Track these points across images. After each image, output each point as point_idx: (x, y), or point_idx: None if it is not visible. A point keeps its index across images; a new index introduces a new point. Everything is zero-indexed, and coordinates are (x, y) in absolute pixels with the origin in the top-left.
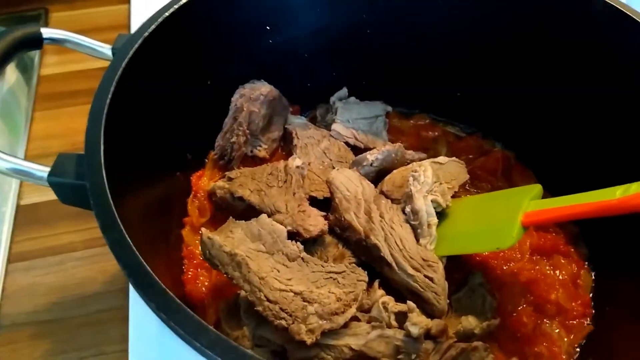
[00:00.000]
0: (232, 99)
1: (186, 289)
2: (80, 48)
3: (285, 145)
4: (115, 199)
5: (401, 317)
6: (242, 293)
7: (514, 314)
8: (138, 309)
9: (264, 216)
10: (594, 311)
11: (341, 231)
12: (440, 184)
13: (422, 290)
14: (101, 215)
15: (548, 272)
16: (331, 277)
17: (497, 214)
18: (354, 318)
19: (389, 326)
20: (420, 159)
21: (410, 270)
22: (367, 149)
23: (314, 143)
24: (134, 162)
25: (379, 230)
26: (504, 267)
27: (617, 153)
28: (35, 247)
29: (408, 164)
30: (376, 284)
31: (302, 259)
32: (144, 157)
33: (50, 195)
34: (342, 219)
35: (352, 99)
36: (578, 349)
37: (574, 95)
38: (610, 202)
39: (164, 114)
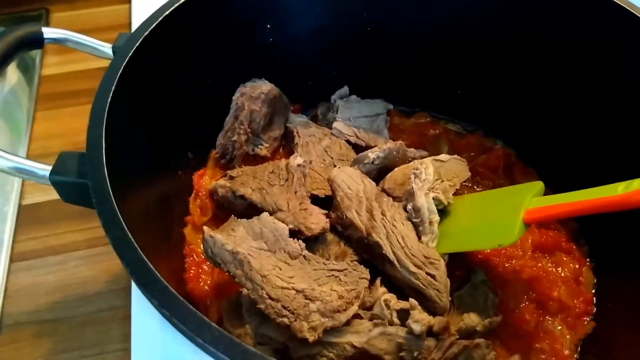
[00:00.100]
0: (233, 97)
1: (188, 287)
2: (81, 47)
3: (287, 144)
4: (117, 197)
5: (403, 315)
6: (244, 291)
7: (516, 311)
8: (140, 308)
9: (265, 214)
10: (595, 308)
11: (343, 229)
12: (442, 181)
13: (424, 287)
14: (103, 214)
15: (550, 269)
16: (333, 275)
17: (498, 211)
18: (356, 316)
19: (391, 324)
20: (422, 157)
21: (412, 268)
22: (368, 147)
23: (315, 141)
24: (135, 160)
25: (381, 227)
26: (506, 265)
27: (618, 150)
28: (37, 246)
29: (409, 161)
30: (378, 281)
31: (304, 257)
32: (145, 155)
33: (52, 195)
34: (344, 216)
35: (353, 97)
36: (580, 346)
37: (575, 93)
38: (612, 198)
39: (165, 113)
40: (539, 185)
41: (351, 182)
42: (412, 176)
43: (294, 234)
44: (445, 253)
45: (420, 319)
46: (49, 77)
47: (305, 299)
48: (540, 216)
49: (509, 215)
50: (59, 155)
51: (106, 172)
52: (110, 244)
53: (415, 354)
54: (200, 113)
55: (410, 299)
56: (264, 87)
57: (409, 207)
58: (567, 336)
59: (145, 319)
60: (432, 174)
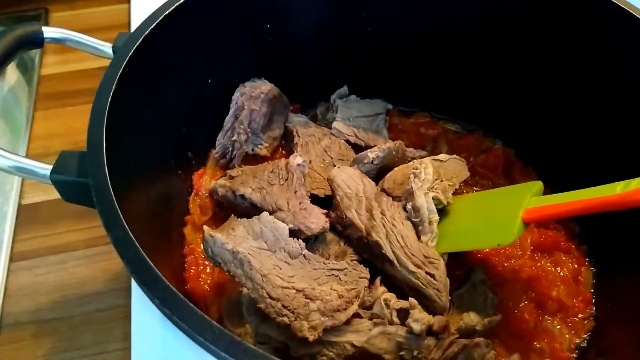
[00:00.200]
0: (232, 97)
1: (188, 286)
2: (81, 47)
3: (286, 144)
4: (118, 196)
5: (403, 314)
6: (245, 290)
7: (516, 311)
8: (140, 307)
9: (265, 214)
10: (594, 308)
11: (343, 229)
12: (441, 181)
13: (423, 287)
14: (104, 213)
15: (549, 268)
16: (333, 275)
17: (498, 211)
18: (356, 315)
19: (391, 323)
20: (421, 157)
21: (412, 267)
22: (367, 146)
23: (315, 141)
24: (136, 160)
25: (381, 227)
26: (505, 264)
27: (616, 150)
28: (37, 246)
29: (409, 161)
30: (378, 281)
31: (304, 256)
32: (145, 155)
33: (52, 195)
34: (344, 216)
35: (353, 97)
36: (579, 345)
37: (575, 93)
38: (611, 197)
39: (165, 112)
40: (538, 184)
41: (351, 181)
42: (412, 176)
43: (294, 233)
44: (444, 252)
45: (420, 318)
46: (48, 77)
47: (305, 298)
48: (539, 215)
49: (508, 214)
50: (60, 154)
51: (107, 171)
52: (112, 242)
53: (415, 353)
54: (200, 112)
55: (410, 298)
56: (263, 86)
57: (409, 206)
58: (566, 336)
59: (145, 318)
60: (431, 174)
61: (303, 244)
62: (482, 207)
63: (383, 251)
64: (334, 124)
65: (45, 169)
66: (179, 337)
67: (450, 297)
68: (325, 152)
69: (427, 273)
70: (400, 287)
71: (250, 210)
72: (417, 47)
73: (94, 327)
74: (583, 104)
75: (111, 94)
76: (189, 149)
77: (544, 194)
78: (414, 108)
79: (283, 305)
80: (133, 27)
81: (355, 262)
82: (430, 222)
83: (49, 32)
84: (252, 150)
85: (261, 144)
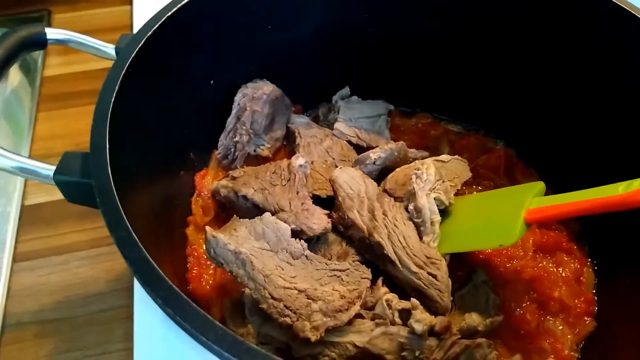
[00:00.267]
0: (235, 98)
1: (190, 287)
2: (84, 48)
3: (288, 144)
4: (121, 197)
5: (405, 315)
6: (247, 291)
7: (518, 311)
8: (143, 307)
9: (267, 214)
10: (597, 308)
11: (345, 229)
12: (443, 181)
13: (425, 287)
14: (107, 213)
15: (551, 269)
16: (335, 275)
17: (500, 211)
18: (358, 315)
19: (393, 323)
20: (423, 157)
21: (414, 268)
22: (369, 147)
23: (317, 142)
24: (138, 160)
25: (383, 228)
26: (507, 265)
27: (618, 150)
28: (40, 246)
29: (410, 162)
30: (380, 281)
31: (306, 256)
32: (148, 156)
33: (55, 196)
34: (346, 217)
35: (354, 98)
36: (581, 346)
37: (576, 93)
38: (613, 198)
39: (167, 113)
40: (540, 185)
41: (353, 182)
42: (414, 177)
43: (296, 234)
44: (446, 253)
45: (422, 319)
46: (51, 78)
47: (308, 298)
48: (541, 216)
49: (510, 215)
50: (63, 155)
51: (110, 172)
52: (115, 243)
53: (417, 353)
54: (203, 113)
55: (412, 298)
56: (265, 87)
57: (411, 207)
58: (569, 336)
59: (147, 318)
60: (433, 175)
61: (305, 245)
62: (484, 207)
63: (385, 252)
64: (336, 125)
65: (49, 169)
66: (182, 338)
67: (452, 298)
68: (327, 153)
69: (429, 273)
70: (402, 288)
71: (253, 210)
72: (418, 48)
73: (97, 327)
74: (584, 105)
75: (114, 95)
76: (191, 149)
77: (546, 194)
78: (415, 109)
79: (285, 306)
80: (135, 29)
81: (357, 262)
82: (432, 223)
83: (52, 33)
84: (254, 151)
85: (263, 145)
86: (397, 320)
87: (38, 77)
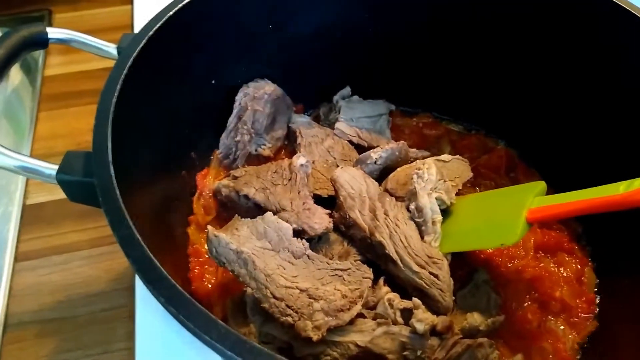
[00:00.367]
0: (236, 98)
1: (192, 286)
2: (86, 47)
3: (289, 144)
4: (123, 196)
5: (407, 314)
6: (249, 290)
7: (519, 311)
8: (144, 307)
9: (269, 214)
10: (598, 308)
11: (346, 229)
12: (444, 181)
13: (427, 287)
14: (110, 212)
15: (552, 269)
16: (337, 275)
17: (501, 211)
18: (360, 315)
19: (395, 323)
20: (424, 157)
21: (415, 267)
22: (370, 147)
23: (318, 142)
24: (140, 160)
25: (384, 227)
26: (509, 265)
27: (619, 150)
28: (41, 246)
29: (412, 162)
30: (381, 281)
31: (308, 256)
32: (149, 155)
33: (56, 195)
34: (347, 216)
35: (355, 97)
36: (583, 346)
37: (577, 93)
38: (614, 197)
39: (169, 113)
40: (541, 184)
41: (354, 182)
42: (415, 176)
43: (298, 233)
44: (448, 253)
45: (423, 318)
46: (51, 78)
47: (309, 298)
48: (542, 215)
49: (512, 214)
50: (65, 154)
51: (113, 172)
52: (118, 242)
53: (419, 353)
54: (204, 113)
55: (413, 298)
56: (266, 87)
57: (412, 207)
58: (570, 336)
59: (149, 318)
60: (434, 174)
61: (307, 244)
62: (485, 207)
63: (386, 251)
64: (337, 125)
65: (51, 169)
66: (183, 337)
67: (453, 297)
68: (328, 153)
69: (431, 273)
70: (404, 287)
71: (254, 210)
72: (419, 48)
73: (98, 326)
74: (585, 104)
75: (116, 94)
76: (193, 149)
77: (547, 194)
78: (416, 108)
79: (287, 305)
80: (136, 28)
81: (358, 262)
82: (433, 223)
83: (53, 33)
84: (256, 150)
85: (264, 145)
86: (399, 319)
87: (39, 77)
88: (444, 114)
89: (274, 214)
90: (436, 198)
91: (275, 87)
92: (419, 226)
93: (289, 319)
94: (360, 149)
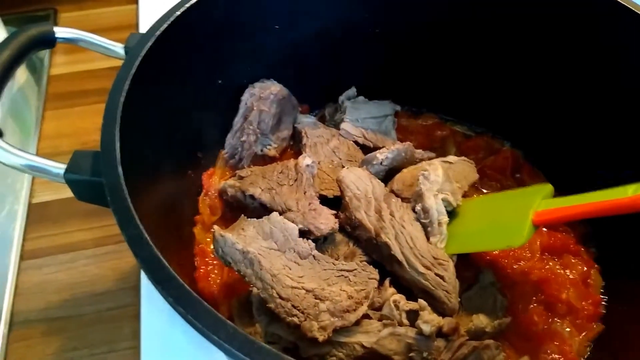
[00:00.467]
0: (242, 98)
1: (198, 286)
2: (93, 47)
3: (295, 144)
4: (131, 196)
5: (412, 315)
6: (254, 290)
7: (525, 313)
8: (149, 306)
9: (275, 214)
10: (604, 310)
11: (352, 229)
12: (451, 183)
13: (433, 288)
14: (119, 212)
15: (558, 271)
16: (342, 275)
17: (507, 213)
18: (366, 316)
19: (400, 324)
20: (430, 158)
21: (421, 269)
22: (376, 148)
23: (323, 142)
24: (147, 159)
25: (390, 228)
26: (515, 266)
27: (626, 152)
28: (47, 244)
29: (417, 163)
30: (387, 282)
31: (314, 256)
32: (156, 154)
33: (62, 194)
34: (353, 217)
35: (361, 98)
36: (589, 348)
37: (582, 95)
38: (622, 200)
39: (176, 113)
40: (548, 187)
41: (360, 182)
42: (421, 177)
43: (303, 233)
44: (453, 254)
45: (429, 320)
46: (57, 77)
47: (315, 298)
48: (549, 218)
49: (518, 216)
50: (73, 153)
51: (121, 171)
52: (126, 241)
53: (425, 354)
54: (210, 113)
55: (419, 299)
56: (272, 87)
57: (418, 208)
58: (576, 338)
59: (154, 317)
60: (440, 176)
61: (313, 245)
62: (491, 209)
63: (392, 252)
64: (342, 125)
65: (59, 168)
66: (188, 336)
67: (459, 299)
68: (333, 153)
69: (437, 274)
70: (410, 289)
71: (260, 210)
72: (424, 49)
73: (104, 325)
74: (591, 105)
75: (124, 94)
76: (199, 149)
77: (553, 196)
78: (422, 109)
79: (293, 306)
80: (141, 28)
81: (364, 263)
82: (439, 224)
83: (60, 32)
84: (261, 150)
85: (270, 145)
86: (405, 321)
87: (45, 76)
88: (450, 115)
89: (280, 214)
90: (442, 199)
91: (281, 88)
92: (424, 227)
93: (295, 319)
94: (365, 149)
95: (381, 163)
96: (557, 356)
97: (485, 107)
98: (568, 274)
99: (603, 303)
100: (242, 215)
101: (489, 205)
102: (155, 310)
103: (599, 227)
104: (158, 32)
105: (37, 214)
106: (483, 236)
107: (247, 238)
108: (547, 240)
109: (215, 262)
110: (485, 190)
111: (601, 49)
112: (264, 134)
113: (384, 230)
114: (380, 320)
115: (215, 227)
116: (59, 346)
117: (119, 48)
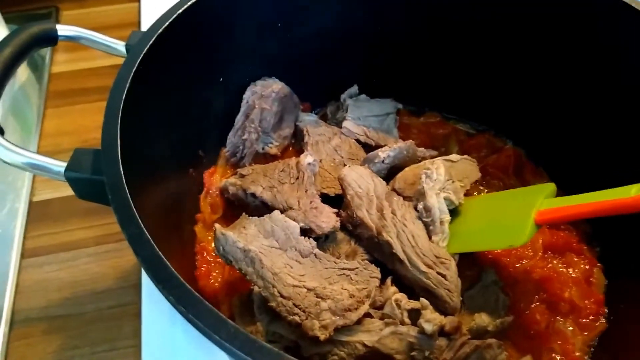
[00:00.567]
0: (244, 96)
1: (199, 284)
2: (95, 45)
3: (297, 143)
4: (132, 194)
5: (414, 314)
6: (256, 289)
7: (527, 312)
8: (150, 304)
9: (276, 212)
10: (607, 309)
11: (353, 228)
12: (453, 182)
13: (434, 287)
14: (119, 210)
15: (561, 270)
16: (344, 274)
17: (509, 212)
18: (367, 315)
19: (402, 323)
20: (432, 157)
21: (423, 267)
22: (378, 146)
23: (325, 140)
24: (148, 158)
25: (391, 227)
26: (517, 265)
27: (630, 152)
28: (48, 243)
29: (419, 161)
30: (389, 281)
31: (315, 255)
32: (158, 153)
33: (63, 192)
34: (355, 215)
35: (363, 96)
36: (591, 347)
37: (585, 93)
38: (625, 200)
39: (177, 111)
40: (551, 186)
41: (361, 180)
42: (423, 176)
43: (305, 232)
44: (455, 253)
45: (432, 319)
46: (58, 75)
47: (317, 297)
48: (551, 217)
49: (520, 215)
50: (74, 151)
51: (122, 169)
52: (127, 240)
53: (427, 353)
54: (212, 111)
55: (421, 298)
56: (274, 85)
57: (420, 206)
58: (579, 337)
59: (155, 315)
60: (443, 174)
61: (314, 243)
62: (494, 208)
63: (394, 251)
64: (344, 123)
65: (60, 166)
66: (189, 335)
67: (461, 298)
68: (335, 151)
69: (438, 273)
70: (411, 288)
71: (261, 208)
72: (426, 47)
73: (105, 324)
74: (593, 104)
75: (125, 92)
76: (200, 147)
77: (556, 195)
78: (424, 107)
79: (294, 304)
80: (143, 26)
81: (366, 261)
82: (441, 222)
83: (62, 30)
84: (263, 149)
85: (271, 143)
86: (407, 320)
87: (46, 74)
88: (452, 113)
89: (282, 212)
90: (444, 198)
91: (283, 86)
92: (426, 226)
93: (296, 318)
94: (367, 147)
95: (383, 161)
96: (559, 355)
97: (487, 105)
98: (571, 272)
99: (606, 302)
100: (244, 213)
101: (491, 204)
102: (156, 309)
103: (602, 226)
104: (159, 30)
105: (38, 212)
106: (485, 235)
107: (248, 236)
108: (549, 238)
109: (216, 260)
110: (487, 189)
111: (602, 47)
112: (265, 132)
113: (386, 228)
114: (381, 319)
115: (217, 225)
116: (60, 344)
117: (120, 46)
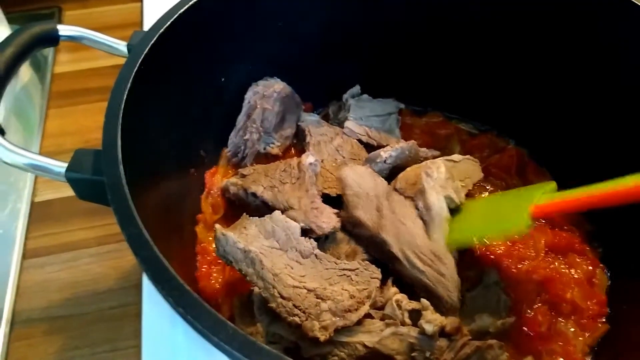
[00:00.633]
0: (245, 96)
1: (199, 285)
2: (96, 45)
3: (298, 143)
4: (132, 194)
5: (415, 315)
6: (256, 289)
7: (529, 313)
8: (151, 305)
9: (277, 213)
10: (609, 310)
11: (352, 228)
12: (454, 181)
13: (433, 286)
14: (119, 211)
15: (563, 270)
16: (344, 274)
17: (508, 207)
18: (368, 315)
19: (403, 324)
20: (434, 157)
21: (421, 266)
22: (380, 146)
23: (327, 140)
24: (149, 158)
25: (390, 226)
26: (519, 266)
27: (632, 151)
28: (49, 243)
29: (421, 161)
30: (389, 281)
31: (316, 255)
32: (159, 153)
33: (64, 192)
34: (353, 215)
35: (365, 96)
36: (593, 348)
37: (589, 92)
38: (621, 188)
39: (178, 111)
40: (552, 185)
41: (362, 180)
42: (424, 174)
43: (305, 232)
44: (454, 250)
45: (432, 319)
46: (61, 75)
47: (317, 298)
48: (548, 210)
49: (518, 209)
50: (75, 152)
51: (122, 170)
52: (126, 241)
53: (427, 354)
54: (213, 111)
55: (422, 299)
56: (276, 85)
57: (420, 204)
58: (580, 338)
59: (155, 316)
60: (443, 173)
61: (315, 244)
62: (494, 206)
63: (391, 249)
64: (346, 123)
65: (61, 166)
66: (189, 336)
67: (462, 298)
68: (337, 152)
69: (437, 271)
70: (412, 288)
71: (262, 208)
72: (428, 47)
73: (106, 324)
74: (595, 103)
75: (126, 92)
76: (202, 147)
77: None
78: (426, 107)
79: (294, 305)
80: (146, 26)
81: (366, 262)
82: (441, 221)
83: (64, 30)
84: (264, 149)
85: (273, 143)
86: (407, 320)
87: (48, 74)
88: (454, 113)
89: (282, 212)
90: (445, 197)
91: (285, 86)
92: (426, 224)
93: (296, 319)
94: (369, 148)
95: (385, 161)
96: (561, 356)
97: (489, 105)
98: (573, 273)
99: (608, 303)
100: (244, 213)
101: (491, 203)
102: (156, 310)
103: (605, 226)
104: (161, 30)
105: (39, 213)
106: (482, 227)
107: (248, 237)
108: (551, 239)
109: (217, 261)
110: (489, 189)
111: (603, 46)
112: (267, 132)
113: (384, 228)
114: (382, 319)
115: (217, 225)
116: (61, 345)
117: (121, 46)
